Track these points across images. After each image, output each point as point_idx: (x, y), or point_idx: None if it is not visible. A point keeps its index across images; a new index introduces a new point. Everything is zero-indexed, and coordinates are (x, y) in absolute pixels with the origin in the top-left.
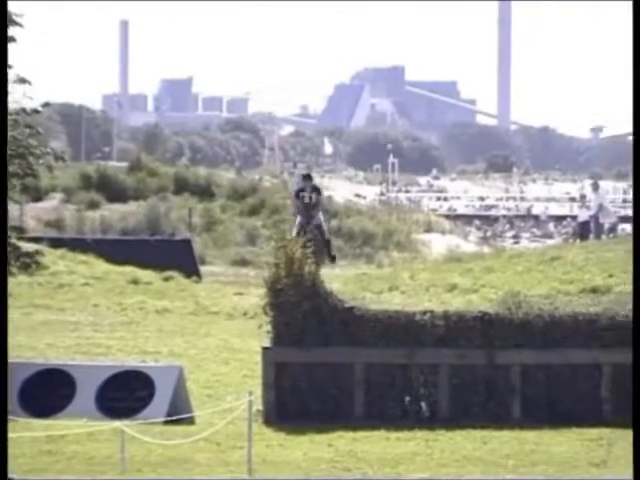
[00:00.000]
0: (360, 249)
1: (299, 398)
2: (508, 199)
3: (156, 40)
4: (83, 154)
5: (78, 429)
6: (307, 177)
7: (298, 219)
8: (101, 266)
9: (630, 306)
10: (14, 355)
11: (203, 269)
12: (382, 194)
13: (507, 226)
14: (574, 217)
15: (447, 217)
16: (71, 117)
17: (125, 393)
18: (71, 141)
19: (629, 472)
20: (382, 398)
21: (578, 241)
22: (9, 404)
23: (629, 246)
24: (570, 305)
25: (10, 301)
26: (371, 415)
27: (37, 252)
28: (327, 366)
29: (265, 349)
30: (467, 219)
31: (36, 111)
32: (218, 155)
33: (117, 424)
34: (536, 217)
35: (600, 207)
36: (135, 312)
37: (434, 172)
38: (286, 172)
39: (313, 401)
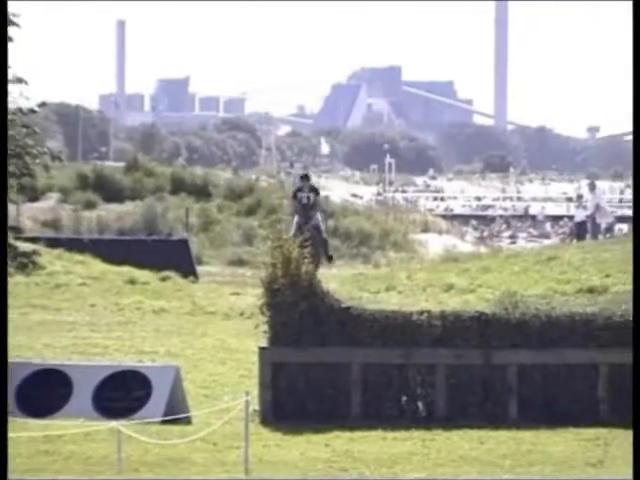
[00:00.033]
0: (357, 249)
1: (296, 398)
2: (505, 199)
3: (153, 40)
4: (80, 154)
5: (75, 429)
6: (305, 177)
7: (296, 219)
8: (98, 266)
9: (626, 306)
10: (11, 355)
11: (200, 269)
12: (379, 194)
13: (504, 226)
14: (571, 217)
15: (444, 217)
16: (68, 117)
17: (122, 393)
18: (68, 141)
19: (627, 472)
20: (379, 398)
21: (575, 241)
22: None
23: (626, 246)
24: (567, 305)
25: None
26: (368, 415)
27: (34, 252)
28: (324, 366)
29: (262, 349)
30: (464, 219)
31: (33, 111)
32: (215, 155)
33: (114, 424)
34: (533, 217)
35: (597, 207)
36: (132, 312)
37: (431, 172)
38: (283, 172)
39: (310, 401)
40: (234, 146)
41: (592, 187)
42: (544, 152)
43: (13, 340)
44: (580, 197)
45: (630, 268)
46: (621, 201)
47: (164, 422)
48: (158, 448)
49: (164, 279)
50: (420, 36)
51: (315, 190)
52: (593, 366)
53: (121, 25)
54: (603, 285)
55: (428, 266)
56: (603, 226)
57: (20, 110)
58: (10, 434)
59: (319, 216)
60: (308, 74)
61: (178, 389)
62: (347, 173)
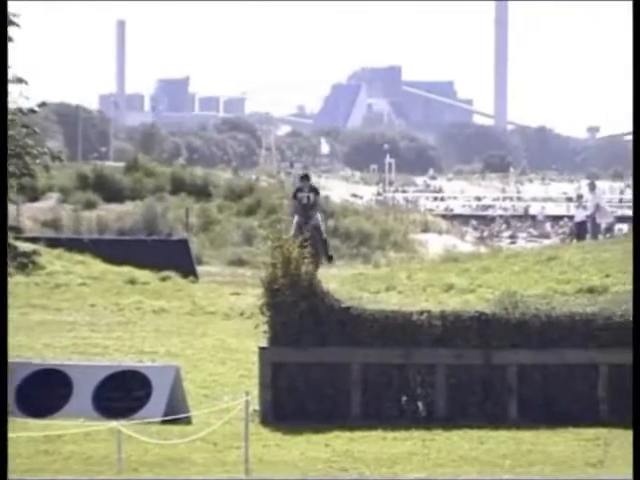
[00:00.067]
0: (357, 249)
1: (296, 398)
2: (505, 199)
3: (153, 40)
4: (80, 154)
5: (75, 429)
6: (305, 177)
7: (296, 219)
8: (98, 266)
9: (626, 306)
10: (11, 355)
11: (200, 269)
12: (379, 194)
13: (504, 226)
14: (571, 217)
15: (444, 217)
16: (68, 117)
17: (122, 393)
18: (68, 141)
19: (626, 472)
20: (379, 398)
21: (575, 241)
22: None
23: (626, 246)
24: (567, 305)
25: None
26: (368, 415)
27: (34, 252)
28: (324, 366)
29: (262, 349)
30: (464, 219)
31: (33, 111)
32: (215, 155)
33: (114, 424)
34: (533, 217)
35: (597, 207)
36: (132, 312)
37: (431, 172)
38: (283, 172)
39: (310, 401)
40: (234, 146)
41: (592, 187)
42: (544, 152)
43: (13, 340)
44: (580, 197)
45: (630, 268)
46: (621, 201)
47: (164, 422)
48: (158, 448)
49: (164, 279)
50: (420, 36)
51: (315, 190)
52: (593, 366)
53: (121, 25)
54: (603, 285)
55: (428, 266)
56: (603, 226)
57: (20, 110)
58: (10, 434)
59: (319, 216)
60: (308, 74)
61: (178, 389)
62: (347, 173)
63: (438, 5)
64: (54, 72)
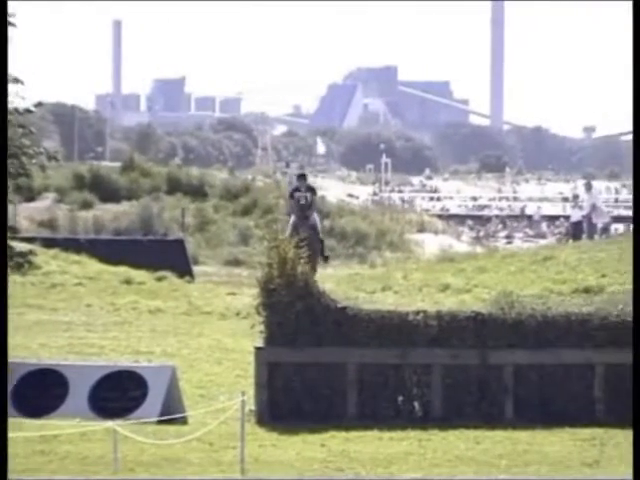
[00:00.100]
0: (353, 249)
1: (292, 398)
2: (501, 199)
3: (149, 40)
4: (76, 154)
5: (71, 429)
6: (302, 177)
7: (292, 219)
8: (94, 266)
9: (623, 306)
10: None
11: (196, 269)
12: (375, 194)
13: (500, 226)
14: (567, 217)
15: (440, 217)
16: (64, 117)
17: (118, 393)
18: (64, 141)
19: (622, 472)
20: (375, 398)
21: (571, 241)
22: None
23: (622, 246)
24: (563, 305)
25: None
26: (364, 415)
27: (30, 252)
28: (320, 366)
29: (258, 349)
30: (460, 219)
31: (29, 111)
32: (211, 155)
33: (110, 424)
34: (529, 217)
35: (593, 207)
36: (128, 312)
37: (427, 172)
38: (279, 172)
39: (306, 401)
40: (230, 146)
41: (588, 187)
42: (540, 152)
43: (9, 340)
44: (576, 197)
45: (626, 268)
46: (617, 201)
47: (160, 422)
48: (154, 448)
49: (160, 279)
50: (416, 36)
51: (312, 190)
52: (589, 366)
53: (117, 25)
54: (599, 285)
55: (424, 266)
56: (599, 226)
57: (16, 110)
58: None
59: (316, 216)
60: (304, 74)
61: (174, 389)
62: (343, 173)
63: (434, 5)
64: (50, 72)
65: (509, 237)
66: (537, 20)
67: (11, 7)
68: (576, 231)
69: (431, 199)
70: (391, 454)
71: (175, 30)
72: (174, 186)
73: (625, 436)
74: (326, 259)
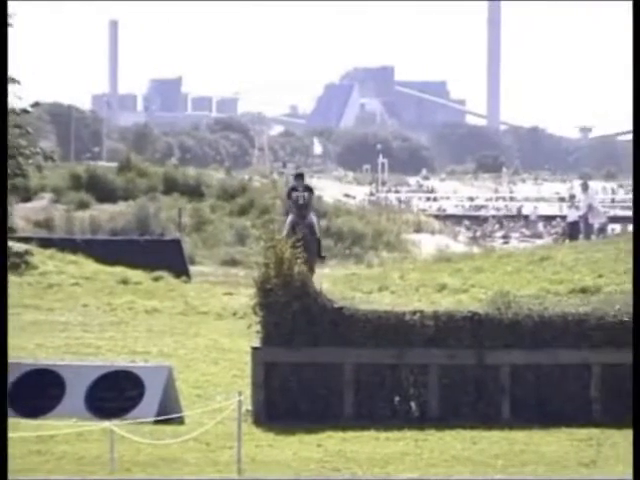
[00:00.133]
0: (349, 249)
1: (288, 398)
2: (497, 199)
3: (145, 40)
4: (72, 154)
5: (67, 429)
6: (299, 176)
7: (289, 218)
8: (90, 266)
9: (619, 306)
10: None
11: (192, 269)
12: (371, 194)
13: (496, 226)
14: (563, 217)
15: (437, 217)
16: (60, 117)
17: (114, 393)
18: (60, 141)
19: (619, 472)
20: (372, 398)
21: (567, 241)
22: None
23: (619, 246)
24: (559, 305)
25: None
26: (360, 415)
27: (26, 252)
28: (316, 366)
29: (254, 349)
30: (457, 219)
31: (25, 111)
32: (207, 155)
33: (106, 424)
34: (525, 217)
35: (589, 207)
36: (124, 312)
37: (424, 172)
38: (275, 172)
39: (302, 401)
40: (227, 146)
41: (585, 187)
42: (537, 152)
43: None
44: (573, 197)
45: (623, 268)
46: (613, 201)
47: (157, 422)
48: (151, 448)
49: (157, 279)
50: (413, 36)
51: (310, 189)
52: (586, 366)
53: (114, 25)
54: (596, 285)
55: (421, 266)
56: (596, 226)
57: (13, 110)
58: None
59: (313, 215)
60: (301, 74)
61: (171, 389)
62: (340, 173)
63: (431, 5)
64: (47, 72)
65: (506, 237)
66: (534, 20)
67: (10, 7)
68: (573, 231)
69: (428, 199)
70: (388, 454)
71: (172, 30)
72: (171, 186)
73: (622, 436)
74: (322, 259)
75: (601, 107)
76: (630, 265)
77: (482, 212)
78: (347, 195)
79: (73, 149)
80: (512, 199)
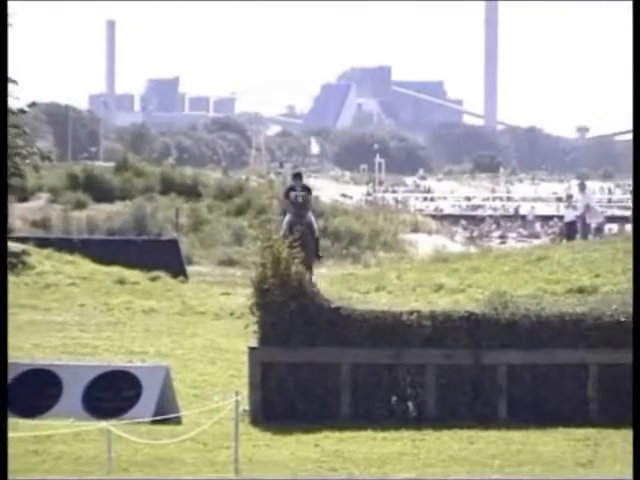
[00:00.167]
0: (347, 249)
1: (286, 398)
2: (495, 199)
3: (143, 40)
4: (70, 154)
5: (65, 429)
6: (297, 176)
7: (287, 218)
8: (87, 266)
9: (616, 306)
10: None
11: (190, 269)
12: (369, 194)
13: (494, 226)
14: (561, 217)
15: (434, 217)
16: (57, 117)
17: (112, 393)
18: (57, 141)
19: (616, 472)
20: (369, 398)
21: (565, 241)
22: None
23: (616, 246)
24: (557, 305)
25: None
26: (358, 415)
27: (23, 252)
28: (314, 366)
29: (252, 349)
30: (454, 219)
31: (22, 111)
32: (205, 155)
33: (104, 424)
34: (523, 217)
35: (587, 207)
36: (122, 312)
37: (421, 172)
38: (273, 172)
39: (300, 401)
40: (224, 146)
41: (582, 187)
42: (534, 152)
43: None
44: (570, 197)
45: (620, 268)
46: (610, 201)
47: (154, 422)
48: (148, 448)
49: (154, 279)
50: (410, 36)
51: (307, 189)
52: (583, 366)
53: (111, 25)
54: (593, 285)
55: (418, 266)
56: (593, 226)
57: (10, 110)
58: None
59: (311, 215)
60: (298, 74)
61: (168, 389)
62: (337, 173)
63: (428, 5)
64: (44, 72)
65: (503, 237)
66: (531, 20)
67: (10, 7)
68: (570, 231)
69: (425, 199)
70: (385, 454)
71: (169, 30)
72: (168, 186)
73: (619, 436)
74: (319, 258)
75: (598, 107)
76: (628, 265)
77: (479, 212)
78: (344, 195)
79: (70, 149)
80: (509, 199)
